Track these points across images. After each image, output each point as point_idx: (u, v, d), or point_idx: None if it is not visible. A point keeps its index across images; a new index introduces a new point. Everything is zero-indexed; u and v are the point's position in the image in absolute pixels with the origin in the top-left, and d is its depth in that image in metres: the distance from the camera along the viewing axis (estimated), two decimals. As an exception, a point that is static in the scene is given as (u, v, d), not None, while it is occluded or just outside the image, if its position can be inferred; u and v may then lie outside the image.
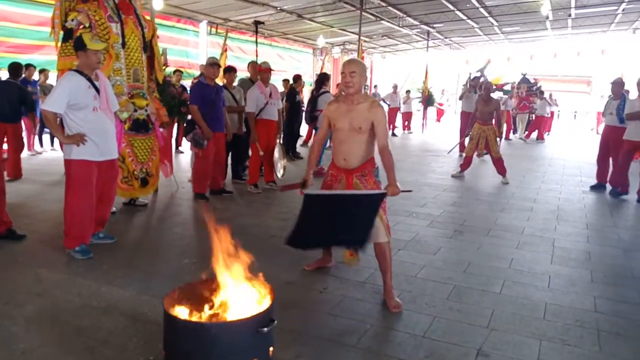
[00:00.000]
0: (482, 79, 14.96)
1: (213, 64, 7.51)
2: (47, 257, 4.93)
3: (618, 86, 9.04)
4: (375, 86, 23.13)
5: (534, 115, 20.10)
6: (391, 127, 20.34)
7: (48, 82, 11.67)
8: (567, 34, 22.74)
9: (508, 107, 18.96)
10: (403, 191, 3.89)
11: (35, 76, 11.80)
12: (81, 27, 5.93)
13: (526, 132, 20.07)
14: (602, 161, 9.35)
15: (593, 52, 24.67)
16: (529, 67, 26.26)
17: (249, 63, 10.16)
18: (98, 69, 4.95)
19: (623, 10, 17.67)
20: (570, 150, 16.42)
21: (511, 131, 19.94)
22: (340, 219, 3.89)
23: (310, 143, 14.82)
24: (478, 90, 13.15)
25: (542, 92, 19.81)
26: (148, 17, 7.24)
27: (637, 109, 8.07)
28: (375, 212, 3.90)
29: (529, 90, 20.58)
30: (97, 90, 4.85)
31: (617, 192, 8.74)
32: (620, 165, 8.72)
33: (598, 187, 9.27)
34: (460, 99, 14.65)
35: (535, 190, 9.02)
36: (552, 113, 21.11)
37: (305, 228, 3.98)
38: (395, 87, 21.20)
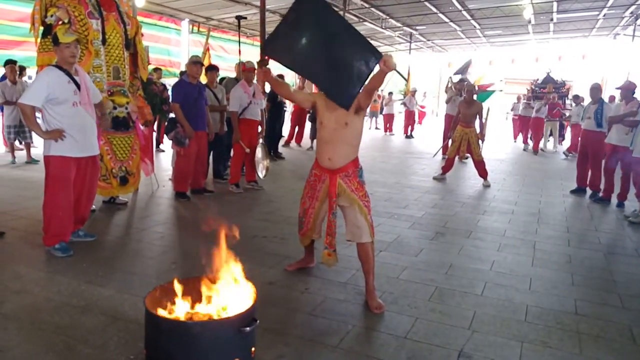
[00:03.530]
0: (465, 82, 14.88)
1: (196, 62, 7.46)
2: (26, 254, 4.87)
3: (596, 91, 9.14)
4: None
5: (565, 123, 18.29)
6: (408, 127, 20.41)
7: (23, 79, 11.43)
8: (548, 38, 23.01)
9: (542, 115, 16.82)
10: (397, 72, 3.72)
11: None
12: (60, 22, 5.84)
13: (561, 143, 18.39)
14: (581, 165, 9.41)
15: (574, 57, 24.91)
16: (510, 70, 26.37)
17: (236, 64, 10.13)
18: (74, 63, 4.85)
19: (604, 15, 17.91)
20: (549, 154, 16.56)
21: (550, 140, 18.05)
22: (325, 51, 3.78)
23: (292, 144, 14.79)
24: (463, 92, 13.03)
25: (577, 97, 16.22)
26: (131, 14, 7.17)
27: (621, 112, 8.14)
28: (365, 75, 3.79)
29: (556, 91, 18.26)
30: (78, 85, 4.80)
31: (600, 198, 8.79)
32: (605, 170, 8.73)
33: (578, 191, 9.35)
34: (447, 102, 14.60)
35: (516, 193, 9.07)
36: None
37: (285, 33, 3.88)
38: (414, 91, 20.92)
